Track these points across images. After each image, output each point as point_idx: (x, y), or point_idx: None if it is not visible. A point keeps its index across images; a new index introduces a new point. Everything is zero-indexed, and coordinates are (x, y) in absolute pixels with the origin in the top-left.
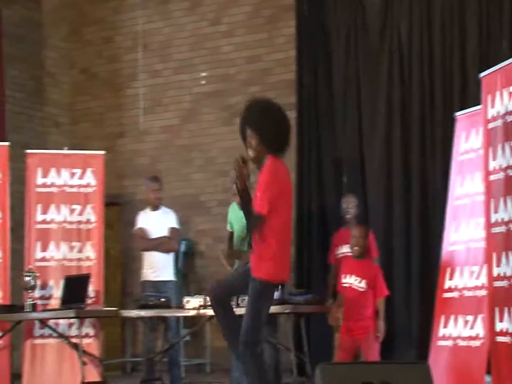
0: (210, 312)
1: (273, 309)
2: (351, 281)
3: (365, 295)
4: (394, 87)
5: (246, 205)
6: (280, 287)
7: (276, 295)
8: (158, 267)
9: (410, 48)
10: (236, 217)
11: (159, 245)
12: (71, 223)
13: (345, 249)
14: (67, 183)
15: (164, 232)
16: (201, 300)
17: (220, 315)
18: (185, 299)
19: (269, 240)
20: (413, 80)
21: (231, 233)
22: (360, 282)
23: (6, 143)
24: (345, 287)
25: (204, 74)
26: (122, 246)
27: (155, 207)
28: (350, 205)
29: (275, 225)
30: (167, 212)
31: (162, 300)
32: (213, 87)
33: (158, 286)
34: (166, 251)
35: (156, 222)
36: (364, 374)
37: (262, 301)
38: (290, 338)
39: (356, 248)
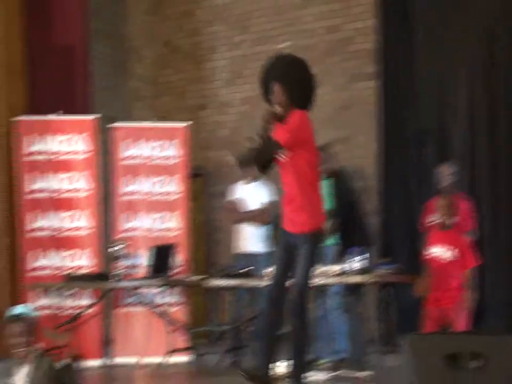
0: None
1: (358, 278)
2: (438, 251)
3: (452, 265)
4: (477, 56)
5: (268, 148)
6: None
7: (360, 264)
8: (250, 239)
9: (495, 19)
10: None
11: (252, 217)
12: (156, 194)
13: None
14: (152, 155)
15: (258, 205)
16: None
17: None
18: (268, 270)
19: (305, 189)
20: (497, 48)
21: None
22: (447, 252)
23: (93, 116)
24: (433, 257)
25: (283, 45)
26: (206, 216)
27: (251, 180)
28: (445, 173)
29: (309, 173)
30: (263, 184)
31: (247, 270)
32: None
33: (249, 258)
34: (259, 224)
35: (251, 194)
36: (452, 344)
37: (315, 255)
38: (375, 308)
39: (442, 219)
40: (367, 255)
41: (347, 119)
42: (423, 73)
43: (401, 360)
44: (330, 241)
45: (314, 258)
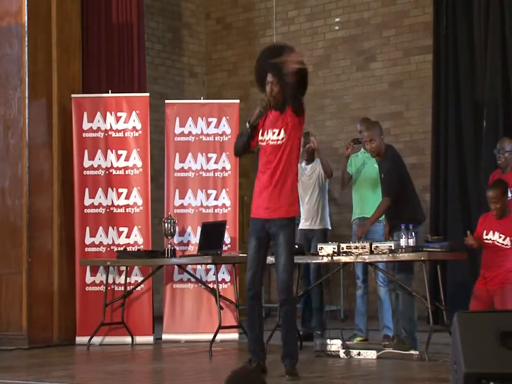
0: (344, 259)
1: (409, 256)
2: (494, 238)
3: (507, 251)
4: None
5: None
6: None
7: (411, 242)
8: (307, 216)
9: None
10: (358, 168)
11: (325, 162)
12: (207, 171)
13: None
14: (203, 132)
15: (313, 181)
16: (335, 246)
17: (257, 310)
18: (319, 246)
19: (291, 169)
20: None
21: (349, 176)
22: (504, 239)
23: (146, 94)
24: (488, 243)
25: (337, 19)
26: None
27: (308, 160)
28: (504, 149)
29: (293, 161)
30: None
31: (296, 246)
32: (346, 32)
33: (306, 233)
34: (326, 169)
35: (309, 173)
36: (503, 322)
37: (294, 240)
38: (426, 286)
39: (495, 212)
40: (418, 232)
41: (401, 94)
42: (481, 46)
43: (452, 339)
44: (381, 218)
45: (294, 240)
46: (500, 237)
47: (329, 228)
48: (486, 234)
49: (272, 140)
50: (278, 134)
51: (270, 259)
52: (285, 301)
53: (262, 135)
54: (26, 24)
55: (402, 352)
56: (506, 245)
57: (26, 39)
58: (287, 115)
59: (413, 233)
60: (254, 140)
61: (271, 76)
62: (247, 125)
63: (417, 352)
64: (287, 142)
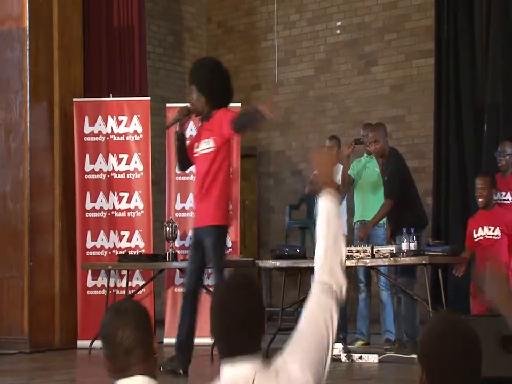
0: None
1: (410, 260)
2: (484, 232)
3: (499, 243)
4: None
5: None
6: (415, 238)
7: (412, 246)
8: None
9: None
10: (359, 171)
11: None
12: None
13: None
14: None
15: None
16: None
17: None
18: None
19: (218, 184)
20: None
21: (351, 179)
22: (494, 231)
23: (148, 98)
24: (478, 241)
25: (339, 23)
26: (257, 197)
27: None
28: (505, 152)
29: (222, 168)
30: (339, 167)
31: (298, 250)
32: (348, 36)
33: None
34: None
35: None
36: (503, 327)
37: (224, 246)
38: (427, 290)
39: (481, 200)
40: (421, 236)
41: (403, 98)
42: (482, 50)
43: None
44: (382, 222)
45: (224, 247)
46: (489, 229)
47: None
48: (476, 233)
49: (203, 150)
50: (207, 143)
51: (272, 262)
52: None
53: (197, 147)
54: (27, 28)
55: (404, 356)
56: (497, 235)
57: (27, 43)
58: (214, 124)
59: (415, 237)
60: (190, 151)
61: (193, 86)
62: (175, 137)
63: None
64: (216, 151)
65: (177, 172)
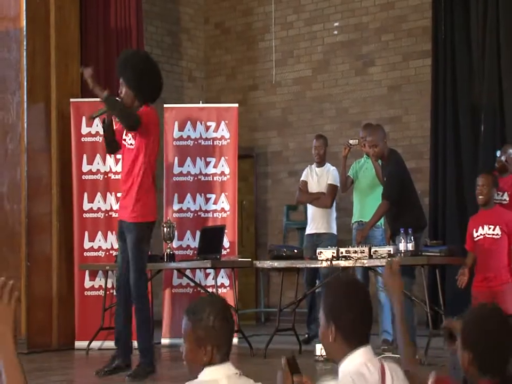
0: (343, 263)
1: (408, 260)
2: (484, 231)
3: (499, 242)
4: None
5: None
6: (412, 239)
7: (410, 246)
8: (314, 220)
9: None
10: (363, 173)
11: (314, 199)
12: (206, 175)
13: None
14: (202, 136)
15: (321, 188)
16: (334, 251)
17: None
18: (318, 250)
19: (139, 176)
20: None
21: (350, 180)
22: (494, 229)
23: None
24: (478, 240)
25: (336, 24)
26: (255, 197)
27: (319, 163)
28: (505, 154)
29: (147, 163)
30: (330, 169)
31: (295, 251)
32: (345, 37)
33: (313, 238)
34: (320, 206)
35: (317, 177)
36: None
37: (147, 243)
38: (425, 290)
39: (480, 197)
40: (418, 236)
41: (400, 98)
42: (479, 50)
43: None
44: (380, 223)
45: (145, 245)
46: (490, 228)
47: (335, 233)
48: (476, 232)
49: (127, 144)
50: (130, 139)
51: (269, 263)
52: (134, 299)
53: (126, 134)
54: (24, 28)
55: (400, 356)
56: (497, 234)
57: (24, 43)
58: None
59: (412, 237)
60: (119, 135)
61: (123, 82)
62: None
63: (416, 357)
64: (136, 149)
65: (109, 154)
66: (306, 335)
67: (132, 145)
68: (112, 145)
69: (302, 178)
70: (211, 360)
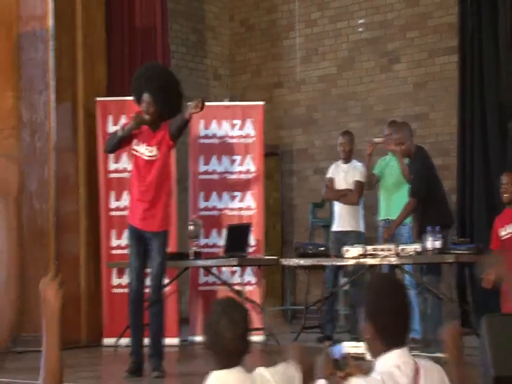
0: (370, 261)
1: (435, 258)
2: (510, 229)
3: None
4: None
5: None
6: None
7: (437, 244)
8: (340, 218)
9: None
10: (389, 170)
11: (341, 196)
12: (232, 173)
13: None
14: (228, 134)
15: (348, 185)
16: (361, 249)
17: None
18: (345, 248)
19: (164, 186)
20: None
21: (376, 178)
22: None
23: None
24: (505, 239)
25: (361, 21)
26: (281, 195)
27: (345, 160)
28: None
29: (165, 175)
30: (357, 165)
31: (322, 248)
32: (370, 34)
33: (339, 236)
34: (347, 203)
35: (344, 174)
36: None
37: (167, 245)
38: (453, 288)
39: (505, 195)
40: (445, 234)
41: (426, 95)
42: (507, 46)
43: (480, 342)
44: (407, 221)
45: (167, 250)
46: None
47: (363, 230)
48: (504, 230)
49: (145, 155)
50: (151, 151)
51: (295, 261)
52: (155, 302)
53: (137, 144)
54: (51, 28)
55: (429, 354)
56: None
57: (51, 43)
58: (161, 134)
59: (440, 235)
60: (126, 143)
61: (148, 96)
62: (120, 132)
63: (444, 355)
64: (160, 159)
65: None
66: (322, 335)
67: (153, 156)
68: (116, 146)
69: (328, 175)
70: (220, 364)
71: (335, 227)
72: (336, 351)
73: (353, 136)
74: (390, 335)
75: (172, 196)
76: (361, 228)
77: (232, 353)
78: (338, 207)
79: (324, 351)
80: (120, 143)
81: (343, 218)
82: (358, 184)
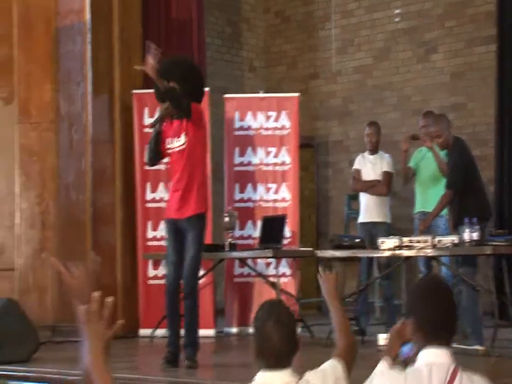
0: (406, 253)
1: (472, 250)
2: None
3: None
4: None
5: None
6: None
7: (475, 235)
8: (368, 209)
9: None
10: (425, 163)
11: (370, 187)
12: (267, 165)
13: None
14: (263, 126)
15: (377, 176)
16: (397, 240)
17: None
18: (380, 240)
19: (197, 171)
20: None
21: (412, 171)
22: None
23: (206, 89)
24: None
25: (397, 11)
26: (316, 187)
27: (372, 151)
28: None
29: (197, 162)
30: (384, 156)
31: (357, 240)
32: (407, 24)
33: (368, 227)
34: (375, 194)
35: (371, 165)
36: None
37: (204, 234)
38: (491, 281)
39: None
40: (483, 225)
41: (463, 85)
42: None
43: None
44: (443, 212)
45: (203, 241)
46: None
47: (390, 221)
48: None
49: (176, 148)
50: (180, 140)
51: (331, 252)
52: (188, 295)
53: (170, 143)
54: (88, 21)
55: (466, 347)
56: None
57: (88, 36)
58: (184, 121)
59: (478, 227)
60: (162, 146)
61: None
62: (153, 129)
63: (482, 348)
64: (189, 145)
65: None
66: (357, 327)
67: (183, 144)
68: (156, 156)
69: (354, 167)
70: (269, 367)
71: (363, 218)
72: (405, 350)
73: (379, 127)
74: (431, 334)
75: (207, 180)
76: (389, 219)
77: (281, 354)
78: (365, 198)
79: (392, 332)
80: (157, 144)
81: (370, 209)
82: (387, 175)
